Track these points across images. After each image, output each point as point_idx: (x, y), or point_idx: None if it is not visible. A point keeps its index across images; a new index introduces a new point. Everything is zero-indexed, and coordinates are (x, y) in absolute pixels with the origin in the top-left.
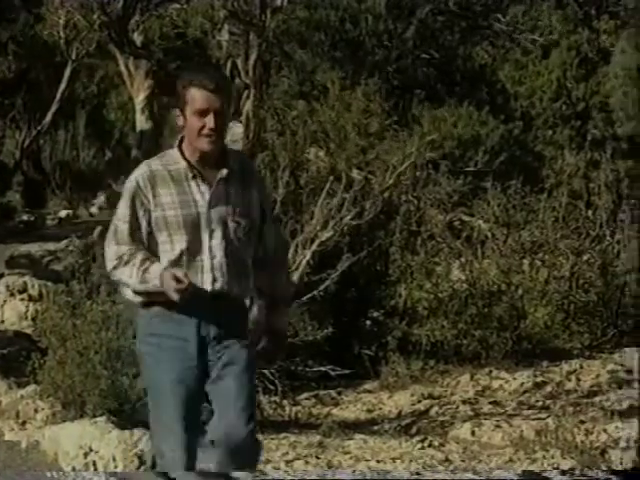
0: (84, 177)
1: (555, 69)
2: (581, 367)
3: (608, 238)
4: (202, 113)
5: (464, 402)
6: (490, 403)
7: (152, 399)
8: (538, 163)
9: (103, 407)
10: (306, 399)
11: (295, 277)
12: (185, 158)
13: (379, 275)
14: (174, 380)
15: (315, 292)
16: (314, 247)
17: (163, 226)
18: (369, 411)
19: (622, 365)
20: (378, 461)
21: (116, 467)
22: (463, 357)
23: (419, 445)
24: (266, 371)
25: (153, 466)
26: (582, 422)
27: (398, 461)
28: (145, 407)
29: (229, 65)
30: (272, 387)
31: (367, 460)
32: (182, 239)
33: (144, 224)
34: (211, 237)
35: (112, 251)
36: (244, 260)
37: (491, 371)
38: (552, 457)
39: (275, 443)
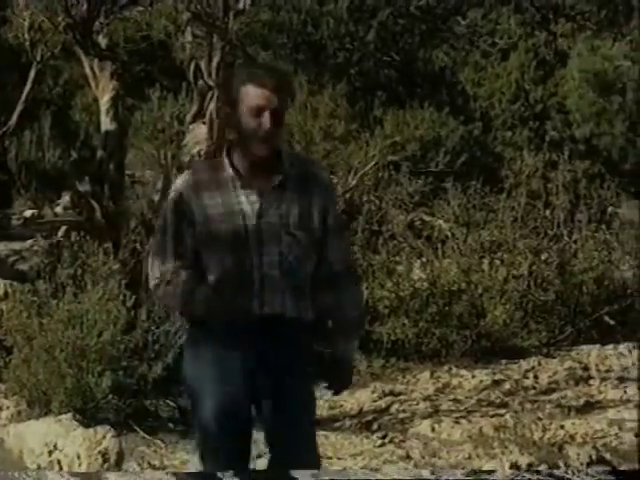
0: (49, 177)
1: (513, 71)
2: (539, 364)
3: (566, 238)
4: (258, 112)
5: (424, 399)
6: (450, 400)
7: (197, 429)
8: (497, 164)
9: (68, 405)
10: None
11: None
12: (233, 165)
13: None
14: (219, 413)
15: None
16: None
17: (209, 240)
18: (331, 408)
19: (579, 362)
20: (339, 458)
21: (80, 465)
22: (423, 355)
23: (379, 442)
24: None
25: None
26: (540, 419)
27: (359, 457)
28: (109, 405)
29: (192, 67)
30: None
31: (329, 458)
32: (229, 255)
33: (188, 238)
34: (261, 253)
35: (155, 268)
36: (301, 279)
37: (451, 368)
38: (511, 453)
39: None
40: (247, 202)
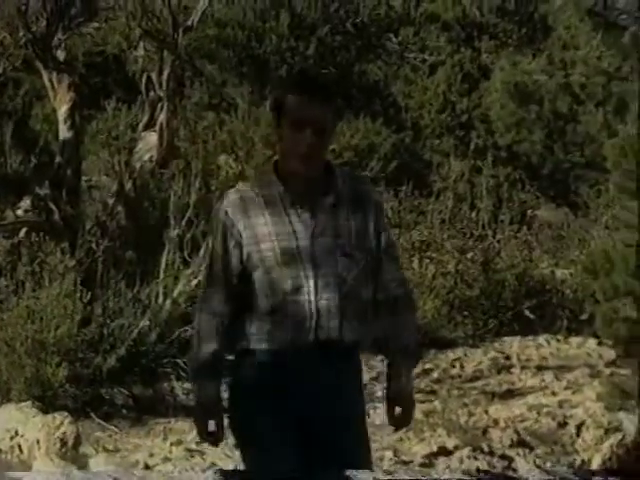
0: (11, 182)
1: (441, 84)
2: (465, 355)
3: (490, 238)
4: (299, 126)
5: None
6: (383, 388)
7: (244, 460)
8: (426, 169)
9: (28, 394)
10: None
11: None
12: (282, 181)
13: None
14: (267, 451)
15: None
16: None
17: (258, 262)
18: None
19: (501, 352)
20: None
21: (39, 449)
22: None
23: None
24: (179, 360)
25: None
26: (465, 404)
27: None
28: (67, 393)
29: (144, 79)
30: (184, 374)
31: None
32: (280, 277)
33: (235, 261)
34: (316, 275)
35: (206, 306)
36: (359, 302)
37: (383, 359)
38: (439, 436)
39: (187, 425)
40: (299, 221)
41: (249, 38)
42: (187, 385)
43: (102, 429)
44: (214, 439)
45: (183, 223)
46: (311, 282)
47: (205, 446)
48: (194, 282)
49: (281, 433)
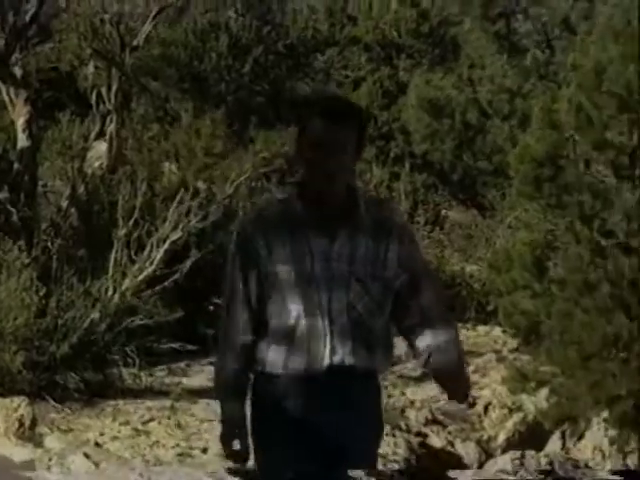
0: None
1: (363, 99)
2: None
3: None
4: (316, 147)
5: None
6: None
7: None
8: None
9: None
10: (160, 371)
11: (150, 270)
12: (302, 202)
13: (220, 268)
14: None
15: (167, 282)
16: (166, 245)
17: (274, 284)
18: (211, 380)
19: None
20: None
21: None
22: None
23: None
24: (127, 348)
25: None
26: (385, 387)
27: None
28: (24, 378)
29: (94, 94)
30: (131, 361)
31: (210, 420)
32: (295, 300)
33: (253, 284)
34: (330, 299)
35: (228, 339)
36: (370, 330)
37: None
38: None
39: (134, 407)
40: (317, 244)
41: (190, 57)
42: (133, 370)
43: (56, 411)
44: (240, 458)
45: (130, 224)
46: (325, 307)
47: (151, 425)
48: (140, 277)
49: (296, 460)
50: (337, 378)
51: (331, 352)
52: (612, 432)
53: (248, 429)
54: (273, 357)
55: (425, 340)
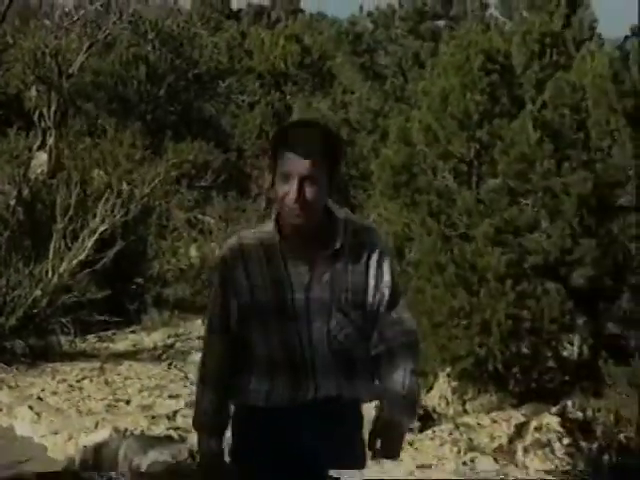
0: None
1: (257, 118)
2: None
3: None
4: (287, 179)
5: (198, 338)
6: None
7: None
8: (247, 180)
9: None
10: (91, 338)
11: (82, 256)
12: (281, 231)
13: (141, 254)
14: None
15: (97, 266)
16: (96, 236)
17: (255, 315)
18: (134, 345)
19: None
20: (139, 378)
21: None
22: (198, 308)
23: (167, 367)
24: (63, 319)
25: None
26: None
27: (153, 378)
28: None
29: (37, 113)
30: (67, 330)
31: (131, 378)
32: (276, 331)
33: (234, 311)
34: (310, 330)
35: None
36: (352, 359)
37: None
38: None
39: (70, 368)
40: (295, 273)
41: (116, 83)
42: (69, 338)
43: (5, 372)
44: None
45: (66, 219)
46: (306, 338)
47: (84, 383)
48: (75, 262)
49: None
50: (320, 410)
51: (314, 384)
52: (454, 384)
53: (225, 464)
54: (255, 389)
55: (381, 379)
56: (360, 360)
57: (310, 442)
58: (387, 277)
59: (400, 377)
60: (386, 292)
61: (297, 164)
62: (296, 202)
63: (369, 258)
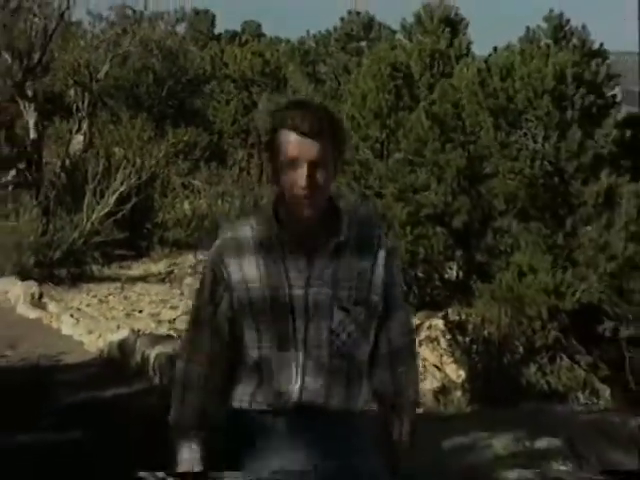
0: (2, 161)
1: (232, 110)
2: None
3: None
4: (293, 164)
5: (189, 267)
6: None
7: None
8: (225, 154)
9: (12, 271)
10: (115, 266)
11: (107, 209)
12: (279, 221)
13: (149, 207)
14: None
15: (118, 216)
16: (117, 194)
17: (247, 309)
18: (145, 271)
19: None
20: (149, 294)
21: (20, 299)
22: (190, 245)
23: (168, 286)
24: (94, 254)
25: None
26: None
27: (158, 295)
28: (34, 269)
29: (75, 107)
30: (97, 260)
31: (143, 295)
32: (269, 328)
33: (225, 306)
34: (307, 328)
35: (189, 351)
36: (351, 363)
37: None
38: None
39: (99, 287)
40: (294, 268)
41: (131, 86)
42: (98, 266)
43: (55, 290)
44: None
45: (95, 182)
46: (300, 337)
47: (109, 298)
48: (102, 213)
49: None
50: (307, 417)
51: (300, 388)
52: None
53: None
54: (241, 391)
55: (383, 381)
56: (361, 362)
57: (294, 452)
58: (394, 276)
59: (405, 381)
60: (391, 291)
61: (306, 147)
62: (306, 191)
63: (376, 253)
